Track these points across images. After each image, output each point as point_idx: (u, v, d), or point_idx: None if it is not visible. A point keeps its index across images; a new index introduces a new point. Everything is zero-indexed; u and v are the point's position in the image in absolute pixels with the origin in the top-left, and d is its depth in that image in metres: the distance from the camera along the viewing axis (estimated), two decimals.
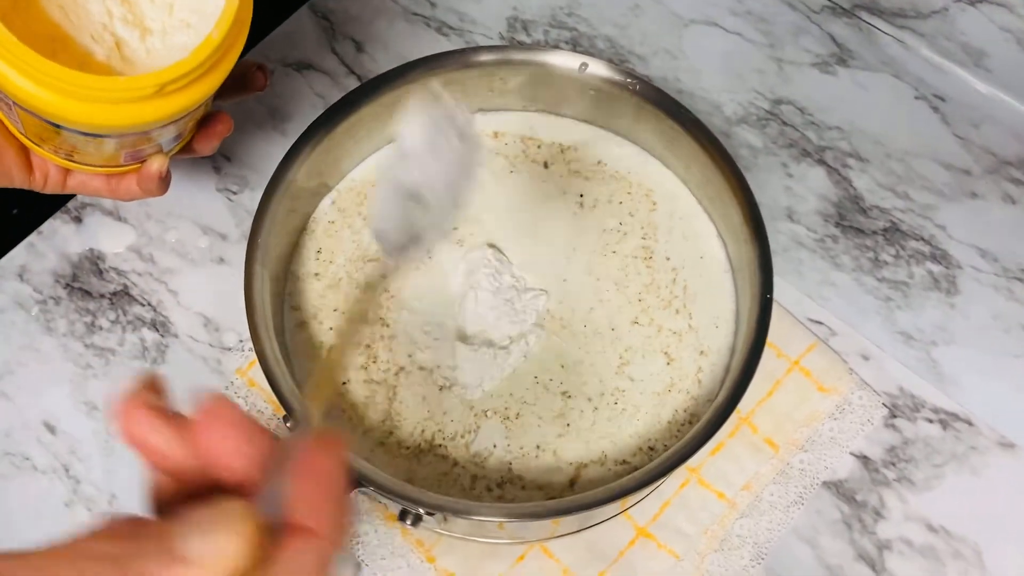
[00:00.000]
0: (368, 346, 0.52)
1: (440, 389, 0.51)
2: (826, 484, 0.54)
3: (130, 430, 0.28)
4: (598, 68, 0.54)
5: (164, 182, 0.49)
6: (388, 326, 0.53)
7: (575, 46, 0.67)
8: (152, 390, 0.29)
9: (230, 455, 0.28)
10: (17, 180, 0.49)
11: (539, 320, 0.53)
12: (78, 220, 0.61)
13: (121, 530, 0.26)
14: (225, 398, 0.28)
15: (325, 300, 0.53)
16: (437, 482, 0.49)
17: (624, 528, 0.53)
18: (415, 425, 0.50)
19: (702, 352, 0.52)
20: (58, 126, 0.42)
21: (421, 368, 0.52)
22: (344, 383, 0.51)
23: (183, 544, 0.25)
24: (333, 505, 0.28)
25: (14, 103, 0.42)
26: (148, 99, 0.41)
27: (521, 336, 0.52)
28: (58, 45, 0.43)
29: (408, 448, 0.50)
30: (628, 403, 0.51)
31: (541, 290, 0.54)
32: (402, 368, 0.52)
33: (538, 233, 0.55)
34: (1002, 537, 0.53)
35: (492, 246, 0.55)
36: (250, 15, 0.43)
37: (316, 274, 0.54)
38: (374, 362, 0.52)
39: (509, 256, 0.55)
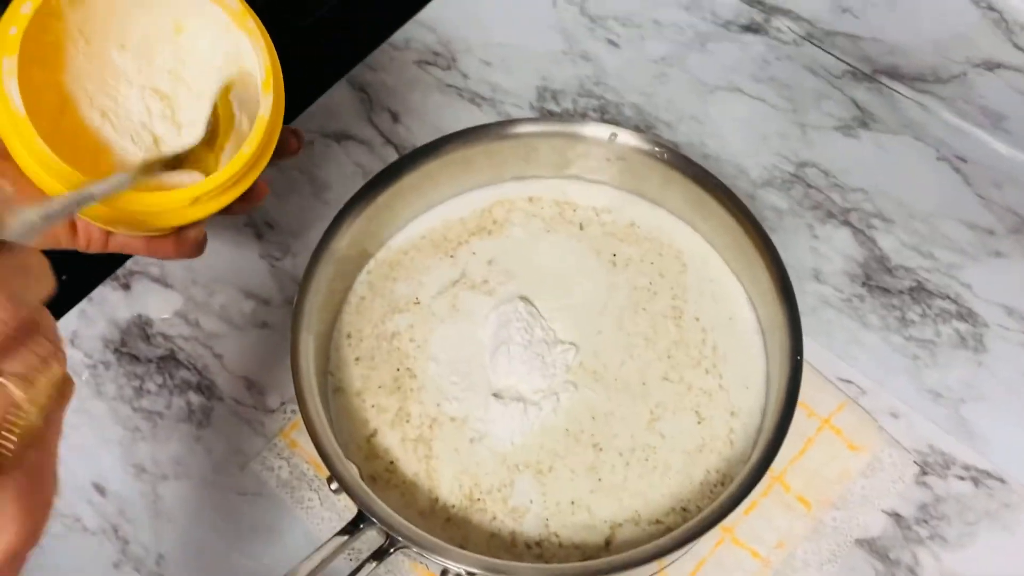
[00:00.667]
0: (400, 407, 0.54)
1: (471, 441, 0.53)
2: (859, 541, 0.55)
3: None
4: (627, 138, 0.56)
5: (200, 247, 0.51)
6: (416, 377, 0.55)
7: (603, 114, 0.69)
8: None
9: None
10: (63, 242, 0.51)
11: (570, 373, 0.54)
12: (126, 287, 0.63)
13: None
14: None
15: (360, 368, 0.55)
16: (478, 541, 0.50)
17: None
18: (452, 479, 0.52)
19: (733, 413, 0.53)
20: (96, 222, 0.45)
21: (452, 419, 0.53)
22: (375, 445, 0.53)
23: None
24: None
25: None
26: (181, 209, 0.43)
27: (552, 391, 0.53)
28: (101, 156, 0.46)
29: (452, 506, 0.51)
30: (659, 460, 0.52)
31: (571, 344, 0.55)
32: (434, 419, 0.53)
33: (570, 289, 0.57)
34: None
35: (524, 299, 0.56)
36: (279, 128, 0.46)
37: (350, 346, 0.56)
38: (407, 421, 0.53)
39: (540, 310, 0.56)
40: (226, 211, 0.52)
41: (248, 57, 0.46)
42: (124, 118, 0.46)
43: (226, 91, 0.47)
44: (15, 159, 0.42)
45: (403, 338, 0.56)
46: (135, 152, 0.47)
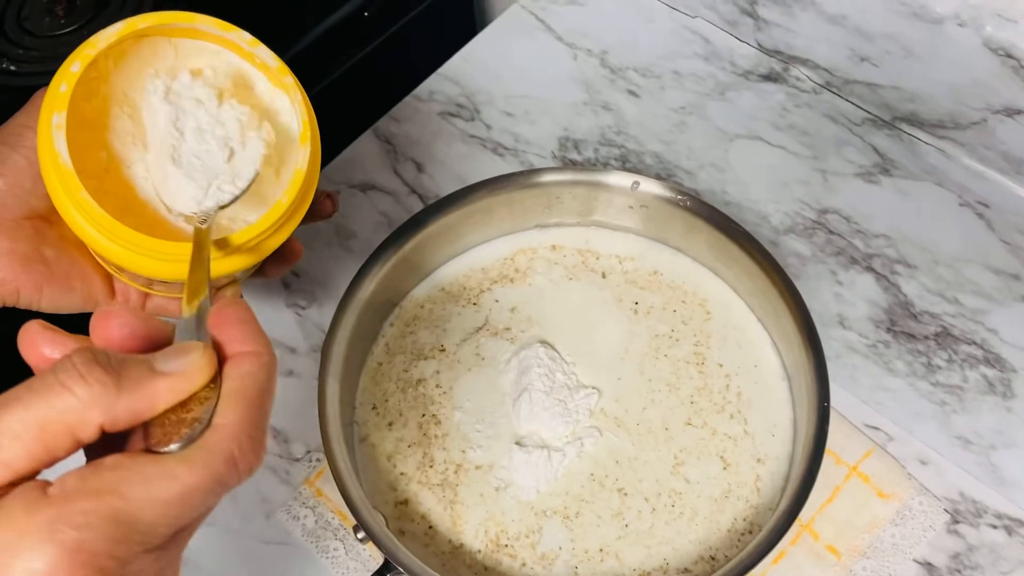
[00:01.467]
0: (425, 453, 0.54)
1: (496, 491, 0.53)
2: None
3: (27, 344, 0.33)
4: (649, 186, 0.56)
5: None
6: (440, 423, 0.55)
7: (624, 162, 0.70)
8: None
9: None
10: (102, 304, 0.52)
11: (593, 418, 0.54)
12: None
13: (108, 358, 0.31)
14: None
15: (385, 418, 0.55)
16: None
17: None
18: (478, 526, 0.52)
19: (759, 460, 0.53)
20: (143, 278, 0.45)
21: (477, 467, 0.53)
22: (405, 501, 0.53)
23: (162, 363, 0.32)
24: (259, 332, 0.34)
25: (101, 256, 0.45)
26: (219, 259, 0.44)
27: (576, 436, 0.53)
28: (147, 218, 0.46)
29: (479, 552, 0.51)
30: (686, 506, 0.52)
31: (593, 388, 0.55)
32: (459, 466, 0.53)
33: (592, 336, 0.57)
34: None
35: (545, 344, 0.57)
36: (316, 180, 0.46)
37: (375, 396, 0.56)
38: (431, 466, 0.53)
39: (562, 355, 0.56)
40: (261, 273, 0.53)
41: (281, 112, 0.47)
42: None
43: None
44: (60, 213, 0.43)
45: (429, 384, 0.56)
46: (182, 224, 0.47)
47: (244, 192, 0.45)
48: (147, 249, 0.43)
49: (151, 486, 0.29)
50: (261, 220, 0.44)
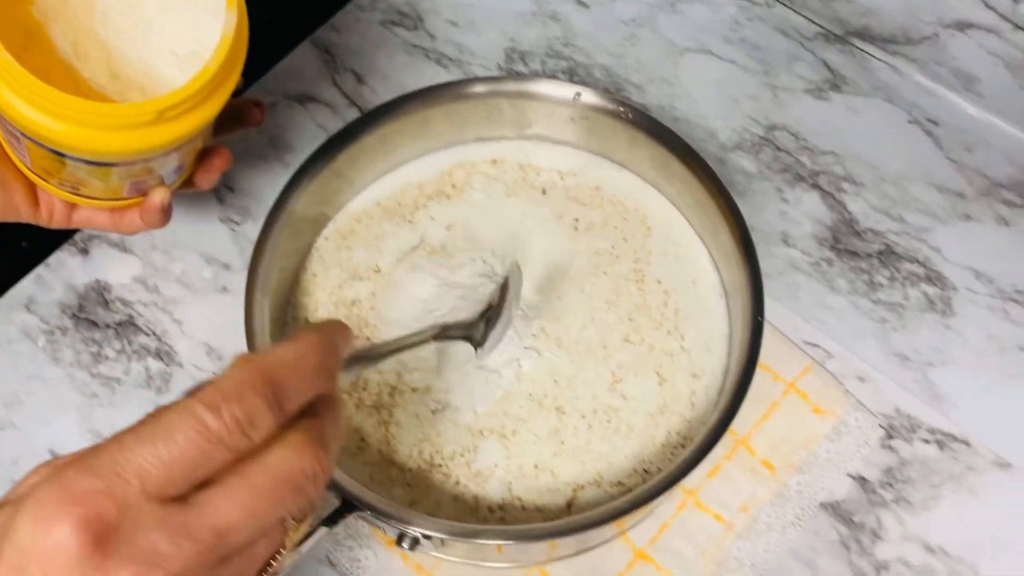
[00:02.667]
0: (358, 374, 0.53)
1: (433, 413, 0.52)
2: (823, 505, 0.55)
3: None
4: (591, 97, 0.55)
5: (166, 214, 0.50)
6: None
7: (572, 76, 0.68)
8: None
9: None
10: (24, 215, 0.50)
11: (532, 340, 0.53)
12: (85, 252, 0.62)
13: None
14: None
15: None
16: (439, 506, 0.50)
17: (622, 551, 0.54)
18: (412, 447, 0.51)
19: (695, 375, 0.53)
20: (63, 155, 0.43)
21: (413, 390, 0.52)
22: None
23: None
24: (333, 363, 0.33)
25: (23, 134, 0.43)
26: (148, 125, 0.42)
27: (514, 359, 0.53)
28: (72, 87, 0.45)
29: (409, 470, 0.50)
30: (621, 422, 0.51)
31: (533, 308, 0.54)
32: (395, 387, 0.53)
33: (531, 254, 0.56)
34: (1000, 557, 0.53)
35: (484, 263, 0.56)
36: (245, 46, 0.45)
37: (307, 313, 0.55)
38: (364, 388, 0.53)
39: (501, 274, 0.55)
40: (190, 184, 0.51)
41: None
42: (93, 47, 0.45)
43: None
44: None
45: (364, 306, 0.55)
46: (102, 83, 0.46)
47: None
48: (72, 111, 0.41)
49: None
50: (189, 83, 0.42)
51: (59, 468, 0.28)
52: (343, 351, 0.35)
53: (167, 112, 0.42)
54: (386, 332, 0.54)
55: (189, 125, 0.43)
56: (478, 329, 0.48)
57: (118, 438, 0.29)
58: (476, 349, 0.48)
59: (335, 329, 0.35)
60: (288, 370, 0.31)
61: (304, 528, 0.34)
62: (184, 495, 0.28)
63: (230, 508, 0.29)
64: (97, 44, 0.46)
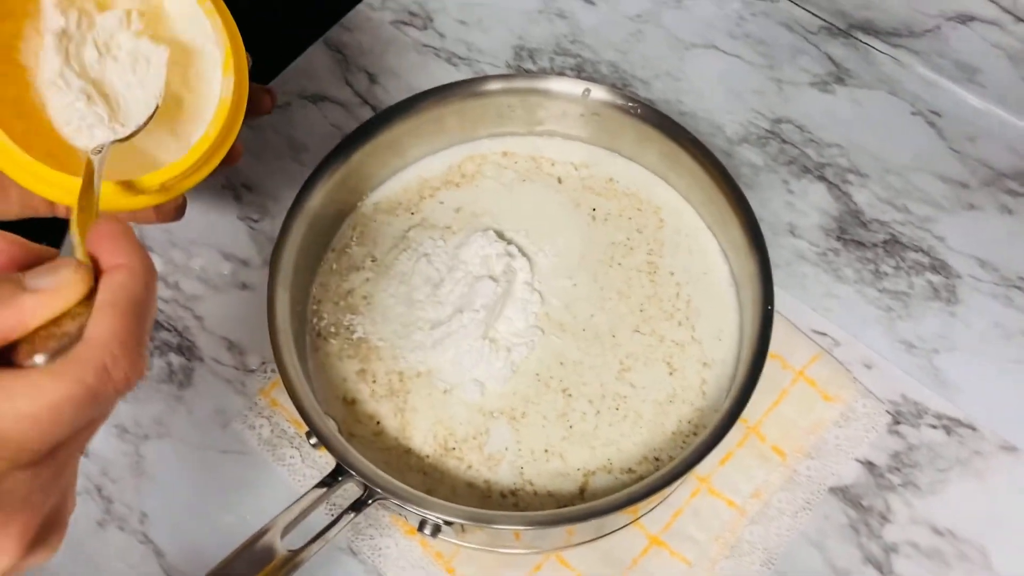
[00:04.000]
0: (362, 370, 0.54)
1: (444, 393, 0.53)
2: (833, 490, 0.56)
3: None
4: (600, 93, 0.56)
5: (179, 210, 0.51)
6: (368, 339, 0.55)
7: (579, 72, 0.70)
8: None
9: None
10: (41, 211, 0.52)
11: (537, 320, 0.55)
12: None
13: None
14: None
15: (342, 323, 0.55)
16: (454, 491, 0.51)
17: (637, 537, 0.55)
18: (427, 431, 0.52)
19: (705, 364, 0.54)
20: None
21: (419, 374, 0.54)
22: (352, 400, 0.53)
23: (32, 280, 0.31)
24: (134, 245, 0.33)
25: None
26: (151, 194, 0.44)
27: (517, 336, 0.54)
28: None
29: (426, 456, 0.52)
30: (630, 410, 0.53)
31: (536, 290, 0.56)
32: (402, 372, 0.54)
33: (550, 237, 0.57)
34: (1007, 538, 0.54)
35: (498, 232, 0.57)
36: (244, 107, 0.46)
37: (334, 300, 0.56)
38: (375, 380, 0.54)
39: (519, 247, 0.57)
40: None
41: (204, 34, 0.46)
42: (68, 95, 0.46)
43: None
44: None
45: (356, 295, 0.56)
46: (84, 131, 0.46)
47: (143, 128, 0.44)
48: (39, 176, 0.42)
49: (16, 400, 0.29)
50: (188, 154, 0.44)
51: None
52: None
53: (168, 183, 0.44)
54: (379, 319, 0.55)
55: (190, 184, 0.45)
56: None
57: None
58: None
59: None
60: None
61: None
62: None
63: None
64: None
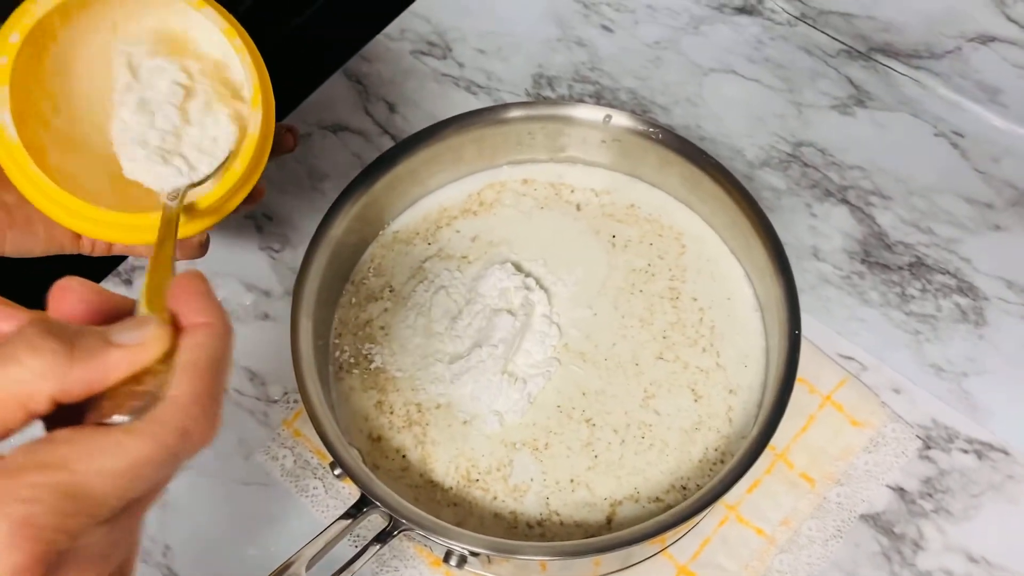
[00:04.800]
0: (379, 402, 0.54)
1: (464, 424, 0.53)
2: (864, 517, 0.55)
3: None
4: (621, 119, 0.56)
5: (203, 248, 0.52)
6: (386, 370, 0.54)
7: (599, 99, 0.70)
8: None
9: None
10: (67, 248, 0.52)
11: (554, 352, 0.54)
12: (128, 283, 0.63)
13: (62, 329, 0.31)
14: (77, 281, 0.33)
15: (361, 352, 0.55)
16: (483, 523, 0.50)
17: (665, 567, 0.54)
18: (449, 463, 0.52)
19: (731, 391, 0.53)
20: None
21: (438, 406, 0.53)
22: (378, 438, 0.53)
23: (117, 335, 0.31)
24: (214, 304, 0.33)
25: None
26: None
27: (539, 368, 0.53)
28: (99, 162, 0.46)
29: (451, 489, 0.51)
30: (656, 438, 0.52)
31: (554, 322, 0.55)
32: (420, 404, 0.53)
33: (569, 266, 0.57)
34: None
35: (515, 264, 0.57)
36: (270, 143, 0.46)
37: (353, 331, 0.56)
38: (392, 411, 0.54)
39: (536, 280, 0.56)
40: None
41: (231, 68, 0.46)
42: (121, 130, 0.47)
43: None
44: (15, 185, 0.43)
45: (374, 326, 0.56)
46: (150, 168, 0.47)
47: (217, 172, 0.45)
48: (101, 221, 0.43)
49: (99, 458, 0.29)
50: (217, 187, 0.44)
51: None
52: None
53: (194, 215, 0.44)
54: (398, 350, 0.55)
55: (217, 218, 0.46)
56: None
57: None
58: None
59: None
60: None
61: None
62: None
63: None
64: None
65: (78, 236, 0.52)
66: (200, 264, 0.63)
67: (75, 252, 0.53)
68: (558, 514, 0.51)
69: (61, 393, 0.30)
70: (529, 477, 0.51)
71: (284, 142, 0.54)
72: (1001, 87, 0.66)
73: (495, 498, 0.51)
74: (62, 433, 0.30)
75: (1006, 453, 0.56)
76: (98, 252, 0.53)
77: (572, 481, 0.51)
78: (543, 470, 0.52)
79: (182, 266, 0.63)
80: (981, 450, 0.56)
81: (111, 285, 0.63)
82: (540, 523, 0.50)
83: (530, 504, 0.51)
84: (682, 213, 0.58)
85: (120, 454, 0.29)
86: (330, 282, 0.56)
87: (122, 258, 0.64)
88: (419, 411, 0.53)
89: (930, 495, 0.55)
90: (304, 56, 0.71)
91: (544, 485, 0.51)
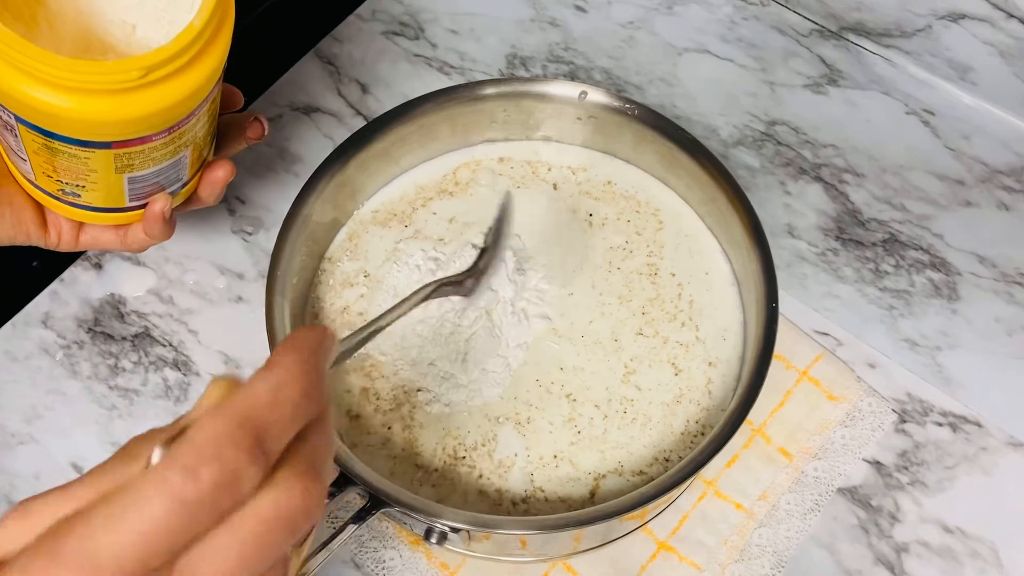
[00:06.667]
0: (365, 388, 0.53)
1: (447, 405, 0.52)
2: (841, 491, 0.55)
3: None
4: (597, 96, 0.56)
5: (169, 224, 0.50)
6: (369, 355, 0.54)
7: (573, 79, 0.69)
8: None
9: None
10: (34, 237, 0.51)
11: (532, 331, 0.54)
12: (98, 267, 0.62)
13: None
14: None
15: (339, 332, 0.55)
16: (466, 501, 0.50)
17: (645, 543, 0.54)
18: (435, 443, 0.51)
19: (711, 363, 0.53)
20: (53, 135, 0.42)
21: (419, 389, 0.53)
22: (357, 416, 0.52)
23: None
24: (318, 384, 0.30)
25: (15, 117, 0.42)
26: (136, 89, 0.41)
27: (516, 342, 0.53)
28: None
29: (436, 470, 0.51)
30: (638, 412, 0.52)
31: (541, 316, 0.55)
32: (403, 387, 0.53)
33: (545, 247, 0.57)
34: (1017, 534, 0.54)
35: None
36: (232, 11, 0.44)
37: (331, 317, 0.55)
38: (378, 397, 0.53)
39: (512, 266, 0.56)
40: (194, 200, 0.52)
41: None
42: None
43: None
44: None
45: (352, 311, 0.55)
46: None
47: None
48: (54, 69, 0.39)
49: None
50: (173, 42, 0.41)
51: (28, 555, 0.26)
52: (328, 361, 0.32)
53: (153, 71, 0.41)
54: (378, 335, 0.54)
55: (178, 91, 0.42)
56: (465, 287, 0.49)
57: (86, 515, 0.26)
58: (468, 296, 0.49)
59: (315, 340, 0.31)
60: (269, 410, 0.28)
61: (307, 548, 0.32)
62: (170, 562, 0.26)
63: (222, 567, 0.26)
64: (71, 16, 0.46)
65: (44, 226, 0.51)
66: (173, 248, 0.63)
67: (41, 244, 0.52)
68: (543, 490, 0.50)
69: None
70: (513, 452, 0.51)
71: (252, 130, 0.53)
72: (971, 65, 0.66)
73: (480, 475, 0.51)
74: None
75: (979, 425, 0.57)
76: (64, 245, 0.52)
77: (556, 456, 0.51)
78: (527, 445, 0.51)
79: (154, 251, 0.62)
80: (955, 423, 0.57)
81: (80, 270, 0.62)
82: (525, 500, 0.50)
83: (515, 480, 0.50)
84: (659, 189, 0.58)
85: None
86: (304, 265, 0.55)
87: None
88: (405, 394, 0.53)
89: (906, 468, 0.56)
90: (275, 37, 0.71)
91: (528, 461, 0.51)
